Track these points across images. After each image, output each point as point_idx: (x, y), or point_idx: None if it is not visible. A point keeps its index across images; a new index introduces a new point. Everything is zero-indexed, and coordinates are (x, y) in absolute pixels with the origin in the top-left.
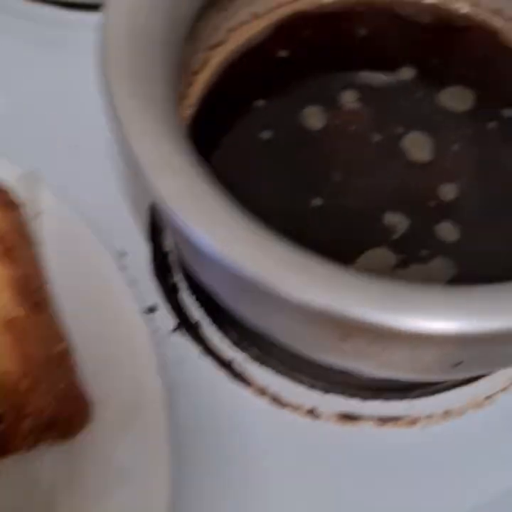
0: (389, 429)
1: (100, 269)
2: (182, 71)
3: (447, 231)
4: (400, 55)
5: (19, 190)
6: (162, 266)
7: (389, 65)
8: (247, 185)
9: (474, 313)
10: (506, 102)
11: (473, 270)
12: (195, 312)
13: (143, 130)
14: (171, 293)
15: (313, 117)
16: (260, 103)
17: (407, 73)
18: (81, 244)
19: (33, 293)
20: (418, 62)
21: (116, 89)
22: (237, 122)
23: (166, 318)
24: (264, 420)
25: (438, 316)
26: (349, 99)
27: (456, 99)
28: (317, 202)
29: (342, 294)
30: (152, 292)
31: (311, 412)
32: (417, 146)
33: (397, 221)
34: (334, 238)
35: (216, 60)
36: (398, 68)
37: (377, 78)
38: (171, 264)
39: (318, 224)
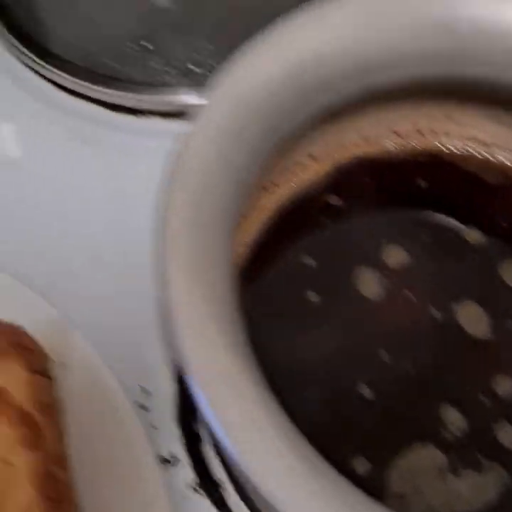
0: None
1: (121, 425)
2: None
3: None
4: (463, 214)
5: (46, 336)
6: (185, 411)
7: (450, 223)
8: (289, 356)
9: None
10: None
11: None
12: (218, 470)
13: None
14: (192, 443)
15: (364, 281)
16: (309, 259)
17: (470, 235)
18: (105, 400)
19: (54, 488)
20: (481, 225)
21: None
22: (284, 278)
23: (185, 470)
24: None
25: None
26: (403, 260)
27: None
28: (363, 387)
29: None
30: (173, 439)
31: None
32: (475, 322)
33: (453, 416)
34: (380, 425)
35: (267, 204)
36: (459, 228)
37: (436, 237)
38: (196, 409)
39: (364, 408)
